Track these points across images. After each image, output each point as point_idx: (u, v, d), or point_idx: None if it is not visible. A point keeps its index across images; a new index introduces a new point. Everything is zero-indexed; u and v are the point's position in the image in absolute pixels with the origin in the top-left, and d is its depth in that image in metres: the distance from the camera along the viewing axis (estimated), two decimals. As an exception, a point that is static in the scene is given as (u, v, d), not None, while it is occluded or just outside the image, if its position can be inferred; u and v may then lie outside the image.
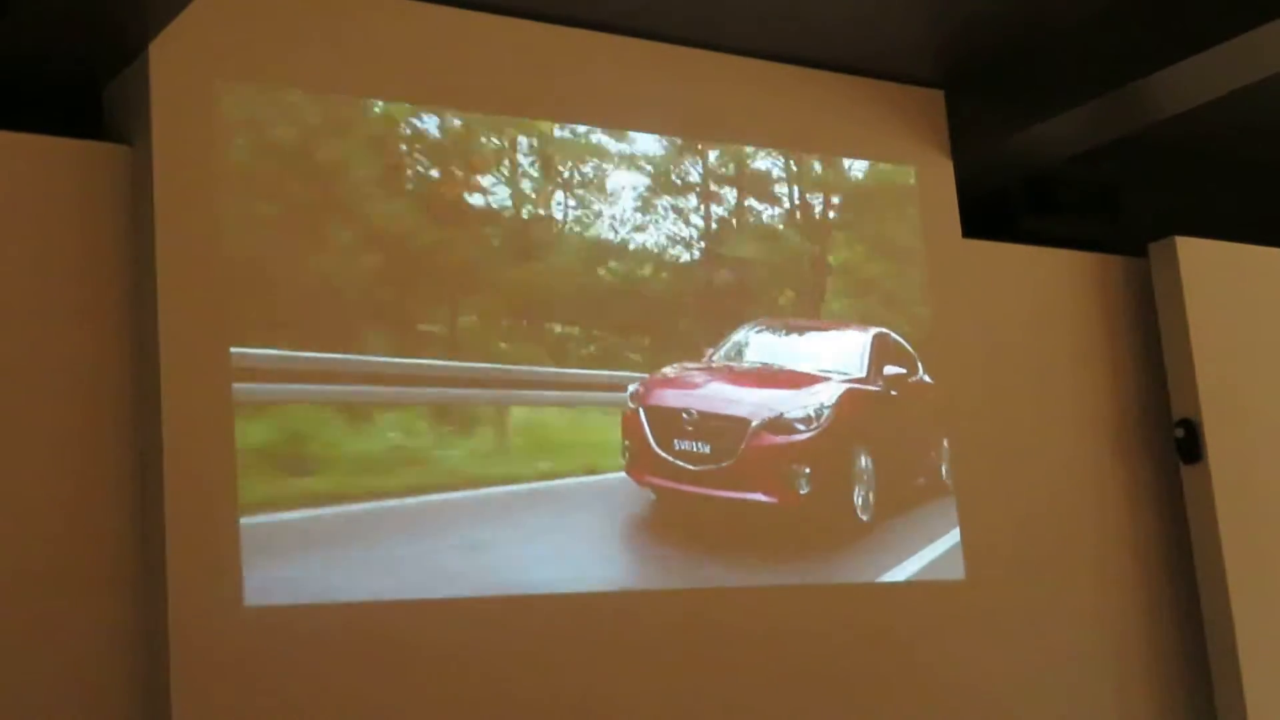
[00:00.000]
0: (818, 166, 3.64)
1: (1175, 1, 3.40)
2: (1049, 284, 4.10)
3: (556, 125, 3.27)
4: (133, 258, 2.83)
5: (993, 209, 4.16)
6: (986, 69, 3.77)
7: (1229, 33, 3.29)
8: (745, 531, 3.36)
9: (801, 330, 3.60)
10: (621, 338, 3.30)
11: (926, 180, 3.80)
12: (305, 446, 2.89)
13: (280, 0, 2.97)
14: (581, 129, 3.31)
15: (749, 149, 3.55)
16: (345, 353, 2.92)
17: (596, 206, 3.33)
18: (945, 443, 3.71)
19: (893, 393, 3.66)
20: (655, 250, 3.41)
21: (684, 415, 3.31)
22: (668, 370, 3.32)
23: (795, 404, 3.50)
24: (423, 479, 3.00)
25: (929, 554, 3.63)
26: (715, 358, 3.40)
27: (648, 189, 3.42)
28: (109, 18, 2.71)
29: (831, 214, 3.64)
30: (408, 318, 3.02)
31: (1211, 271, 4.18)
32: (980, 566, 3.66)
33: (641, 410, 3.25)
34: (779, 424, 3.46)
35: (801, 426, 3.47)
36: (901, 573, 3.57)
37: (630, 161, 3.41)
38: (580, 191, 3.32)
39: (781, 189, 3.61)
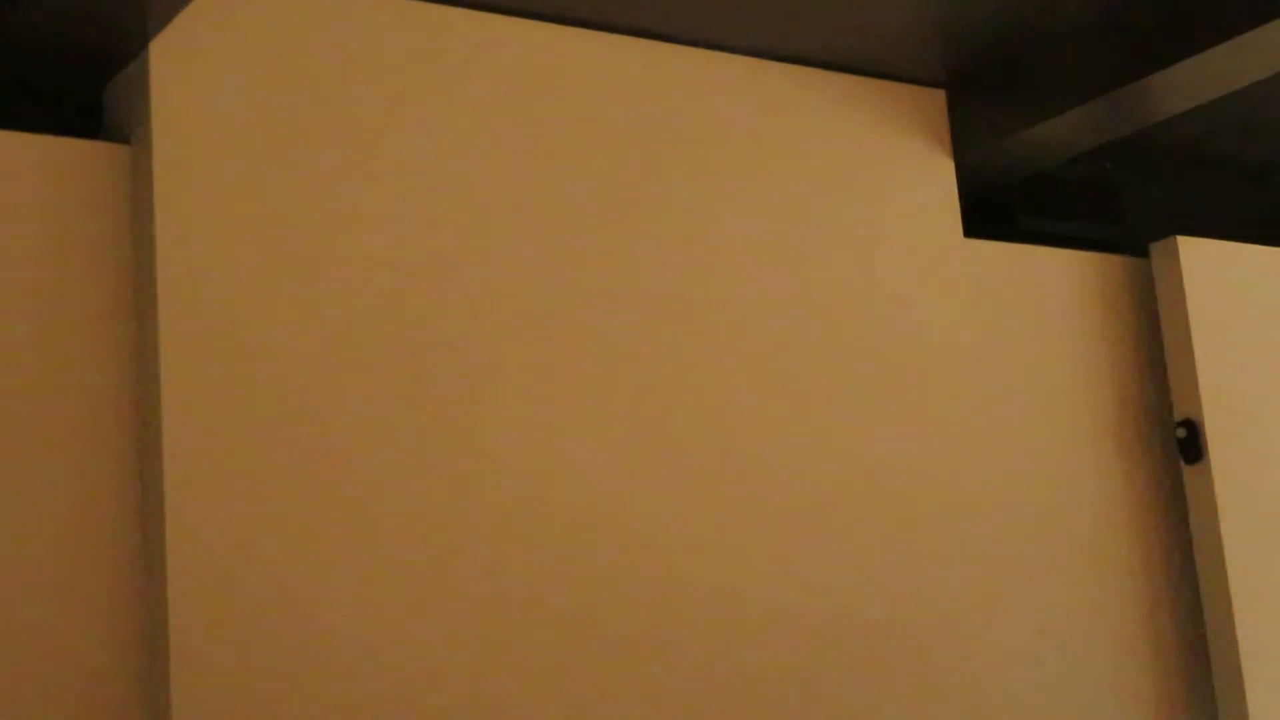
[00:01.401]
0: (817, 165, 3.63)
1: (1176, 1, 3.40)
2: (1050, 284, 4.10)
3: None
4: (133, 258, 2.83)
5: (994, 208, 4.16)
6: (988, 68, 3.77)
7: (1231, 32, 3.29)
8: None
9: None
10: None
11: (927, 180, 3.80)
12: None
13: (282, 0, 2.96)
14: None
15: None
16: (352, 354, 2.91)
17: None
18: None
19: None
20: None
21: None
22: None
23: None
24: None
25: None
26: None
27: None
28: (109, 17, 2.71)
29: (830, 214, 3.64)
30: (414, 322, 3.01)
31: (1213, 271, 4.19)
32: (978, 566, 3.65)
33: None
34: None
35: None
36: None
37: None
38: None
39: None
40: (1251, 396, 4.18)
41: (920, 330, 3.69)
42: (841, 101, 3.69)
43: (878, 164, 3.73)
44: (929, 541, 3.57)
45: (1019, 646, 3.71)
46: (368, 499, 2.87)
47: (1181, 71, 3.46)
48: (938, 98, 3.86)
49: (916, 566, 3.54)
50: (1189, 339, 4.09)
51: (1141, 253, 4.25)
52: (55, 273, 2.77)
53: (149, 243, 2.77)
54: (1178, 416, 4.12)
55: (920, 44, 3.64)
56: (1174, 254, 4.13)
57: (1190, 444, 4.07)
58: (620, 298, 3.26)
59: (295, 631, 2.75)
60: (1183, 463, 4.11)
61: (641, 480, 3.21)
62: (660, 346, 3.29)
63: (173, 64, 2.82)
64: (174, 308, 2.74)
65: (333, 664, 2.78)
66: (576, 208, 3.24)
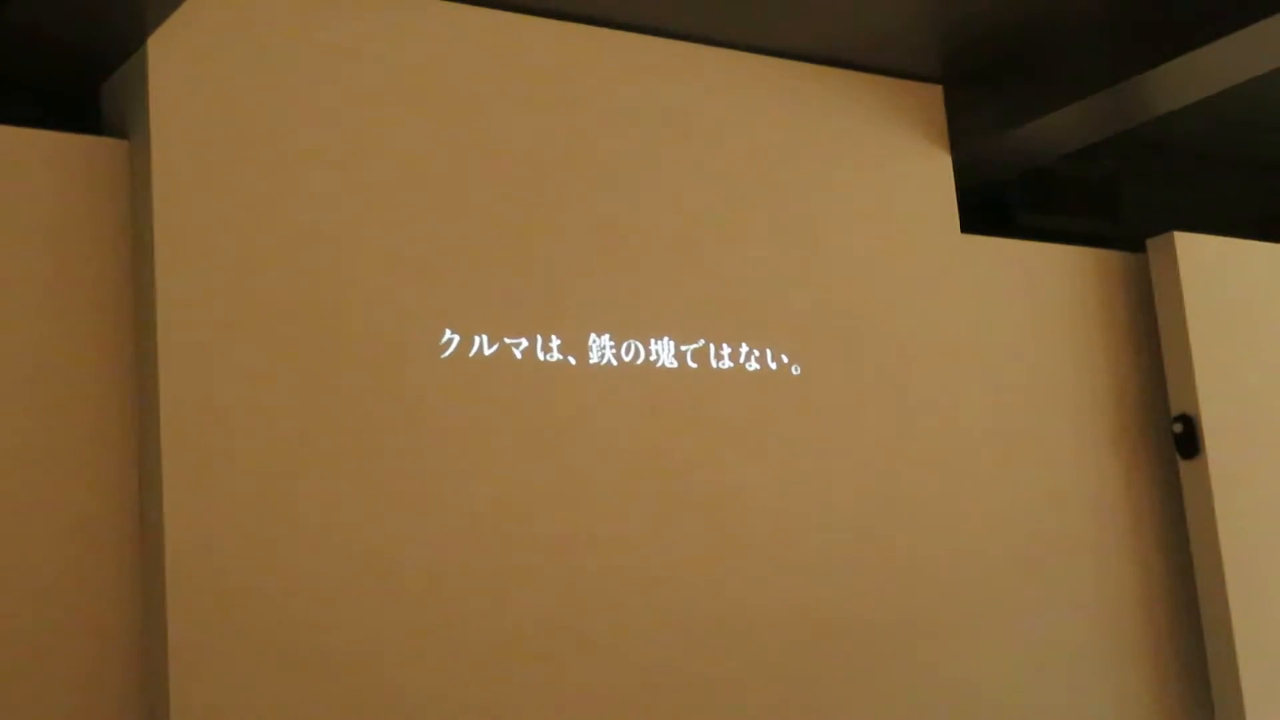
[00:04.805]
0: (814, 161, 3.63)
1: (1173, -2, 3.41)
2: (1047, 279, 4.10)
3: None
4: (131, 254, 2.83)
5: (991, 204, 4.17)
6: (986, 64, 3.78)
7: (1227, 29, 3.29)
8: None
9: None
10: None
11: (925, 175, 3.80)
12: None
13: (279, -5, 2.97)
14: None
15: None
16: (351, 350, 2.92)
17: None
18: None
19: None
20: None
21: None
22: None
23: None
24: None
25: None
26: None
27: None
28: (107, 13, 2.71)
29: (828, 210, 3.64)
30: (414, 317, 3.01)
31: (1210, 267, 4.19)
32: (977, 562, 3.66)
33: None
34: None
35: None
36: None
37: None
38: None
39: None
40: (1248, 392, 4.19)
41: (917, 325, 3.69)
42: (839, 97, 3.69)
43: (875, 159, 3.73)
44: (925, 540, 3.58)
45: (1016, 643, 3.71)
46: (365, 497, 2.87)
47: (1178, 68, 3.46)
48: (935, 93, 3.87)
49: (913, 566, 3.54)
50: (1186, 334, 4.09)
51: (1138, 248, 4.25)
52: (54, 267, 2.77)
53: (147, 237, 2.78)
54: (1174, 412, 4.12)
55: (918, 40, 3.64)
56: (1171, 249, 4.14)
57: (1187, 439, 4.07)
58: (616, 295, 3.26)
59: (292, 633, 2.75)
60: (1179, 457, 4.12)
61: (629, 478, 3.21)
62: (652, 343, 3.29)
63: (171, 60, 2.82)
64: (172, 302, 2.74)
65: (328, 665, 2.78)
66: (573, 207, 3.24)
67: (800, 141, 3.61)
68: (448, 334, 3.03)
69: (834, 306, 3.57)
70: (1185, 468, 4.10)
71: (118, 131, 2.92)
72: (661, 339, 3.30)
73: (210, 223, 2.81)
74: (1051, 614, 3.84)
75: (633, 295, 3.28)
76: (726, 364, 3.38)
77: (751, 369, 3.41)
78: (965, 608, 3.61)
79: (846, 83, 3.71)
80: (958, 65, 3.80)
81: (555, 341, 3.15)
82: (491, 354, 3.07)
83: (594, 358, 3.20)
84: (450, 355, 3.02)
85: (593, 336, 3.20)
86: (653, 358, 3.28)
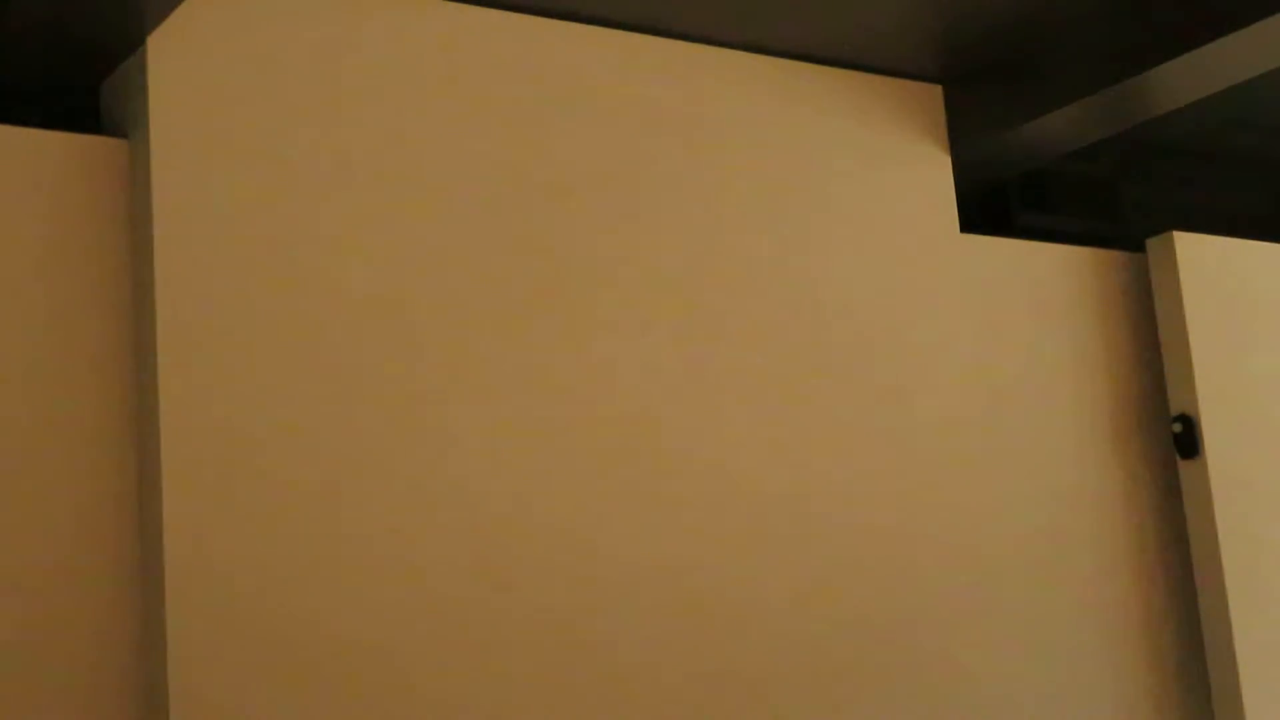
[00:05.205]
0: (813, 161, 3.63)
1: (1174, -4, 3.41)
2: (1046, 279, 4.10)
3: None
4: (131, 254, 2.83)
5: (990, 204, 4.17)
6: (986, 64, 3.78)
7: (1228, 28, 3.29)
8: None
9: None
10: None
11: (924, 175, 3.81)
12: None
13: (278, -6, 2.97)
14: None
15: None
16: (350, 350, 2.92)
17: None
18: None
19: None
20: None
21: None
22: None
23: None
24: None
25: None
26: None
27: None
28: (106, 12, 2.71)
29: (827, 210, 3.64)
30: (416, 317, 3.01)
31: (1209, 267, 4.19)
32: (974, 561, 3.66)
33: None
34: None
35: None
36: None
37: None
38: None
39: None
40: (1247, 392, 4.19)
41: (915, 325, 3.69)
42: (838, 96, 3.69)
43: (874, 159, 3.73)
44: (923, 539, 3.58)
45: (1015, 643, 3.71)
46: (366, 497, 2.87)
47: (1179, 67, 3.46)
48: (935, 93, 3.87)
49: (911, 565, 3.54)
50: (1185, 334, 4.09)
51: (1138, 248, 4.26)
52: (52, 268, 2.77)
53: (146, 238, 2.78)
54: (1174, 412, 4.13)
55: (917, 39, 3.64)
56: (1170, 249, 4.14)
57: (1186, 439, 4.08)
58: (614, 295, 3.27)
59: (292, 633, 2.75)
60: (1179, 458, 4.12)
61: (632, 475, 3.21)
62: (652, 344, 3.29)
63: (170, 58, 2.82)
64: (171, 303, 2.74)
65: (329, 665, 2.78)
66: (572, 206, 3.24)
67: (799, 141, 3.61)
68: (448, 334, 3.03)
69: (833, 306, 3.57)
70: (1184, 468, 4.10)
71: (117, 131, 2.91)
72: (661, 338, 3.30)
73: (210, 222, 2.81)
74: (1050, 613, 3.85)
75: (632, 295, 3.28)
76: (725, 363, 3.38)
77: (750, 368, 3.41)
78: (963, 607, 3.61)
79: (845, 83, 3.71)
80: (957, 65, 3.80)
81: (555, 341, 3.15)
82: (491, 354, 3.07)
83: (594, 357, 3.20)
84: (450, 355, 3.02)
85: (593, 336, 3.21)
86: (652, 357, 3.28)
